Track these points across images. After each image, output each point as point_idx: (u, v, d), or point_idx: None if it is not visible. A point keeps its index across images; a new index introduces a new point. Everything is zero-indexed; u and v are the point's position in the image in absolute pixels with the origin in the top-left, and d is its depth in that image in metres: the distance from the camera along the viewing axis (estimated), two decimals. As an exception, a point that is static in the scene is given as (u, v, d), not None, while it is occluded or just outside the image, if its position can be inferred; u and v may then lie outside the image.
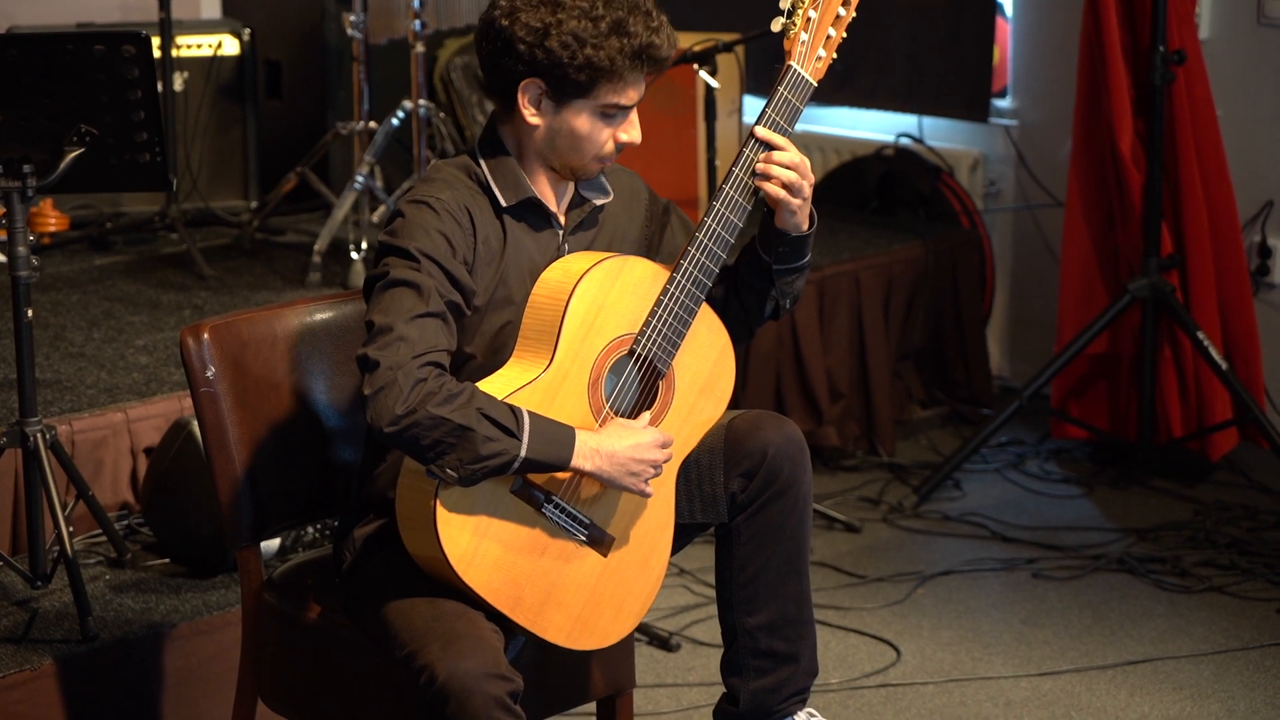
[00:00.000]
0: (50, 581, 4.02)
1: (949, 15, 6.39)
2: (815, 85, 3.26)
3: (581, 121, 3.18)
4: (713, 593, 3.41)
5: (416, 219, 3.12)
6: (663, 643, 4.55)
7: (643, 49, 3.13)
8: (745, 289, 3.35)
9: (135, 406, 4.47)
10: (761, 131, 3.22)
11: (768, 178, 3.21)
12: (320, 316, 3.48)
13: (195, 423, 4.11)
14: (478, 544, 3.06)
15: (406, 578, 3.15)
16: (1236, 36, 5.79)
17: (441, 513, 3.03)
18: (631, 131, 3.22)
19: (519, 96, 3.17)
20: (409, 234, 3.11)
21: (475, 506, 3.06)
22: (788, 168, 3.22)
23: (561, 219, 3.28)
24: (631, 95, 3.19)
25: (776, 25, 3.26)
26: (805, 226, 3.28)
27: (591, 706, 3.51)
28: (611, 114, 3.19)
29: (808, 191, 3.24)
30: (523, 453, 3.02)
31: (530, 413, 3.05)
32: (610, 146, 3.21)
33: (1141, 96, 5.51)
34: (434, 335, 3.06)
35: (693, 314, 3.21)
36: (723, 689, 3.45)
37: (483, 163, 3.24)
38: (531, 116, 3.18)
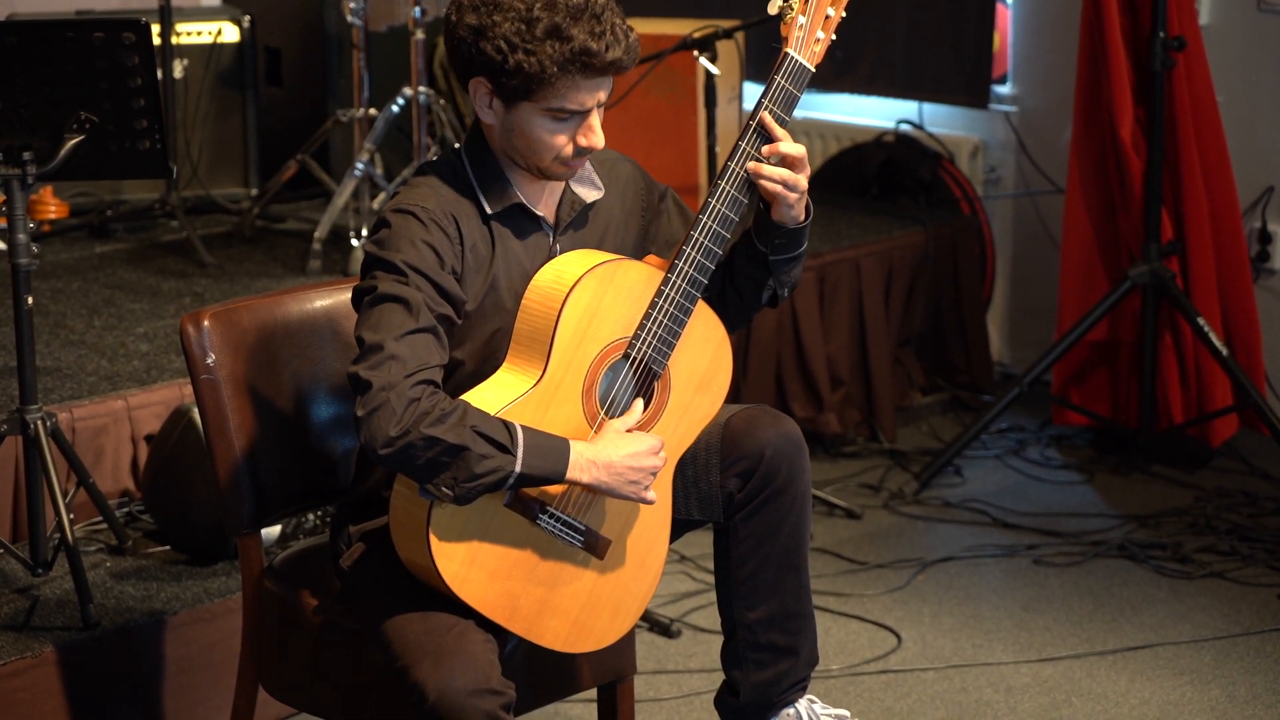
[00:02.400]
0: (51, 569, 4.02)
1: (949, 1, 6.38)
2: (814, 71, 3.18)
3: (530, 124, 3.08)
4: (713, 578, 3.41)
5: (403, 229, 3.06)
6: (663, 629, 4.55)
7: (578, 55, 3.00)
8: (742, 279, 3.30)
9: (136, 394, 4.47)
10: (765, 117, 3.14)
11: (762, 175, 3.15)
12: (320, 303, 3.47)
13: (196, 410, 4.11)
14: (472, 559, 3.04)
15: (400, 581, 3.13)
16: (1237, 23, 5.79)
17: (435, 528, 3.00)
18: (590, 137, 3.10)
19: (471, 94, 3.11)
20: (395, 246, 3.05)
21: (469, 522, 3.03)
22: (784, 161, 3.16)
23: (551, 219, 3.22)
24: (582, 100, 3.07)
25: (773, 8, 3.18)
26: (802, 218, 3.22)
27: (593, 693, 3.51)
28: (563, 118, 3.08)
29: (804, 185, 3.18)
30: (517, 468, 2.98)
31: (524, 427, 3.01)
32: (569, 150, 3.11)
33: (1142, 83, 5.50)
34: (425, 352, 3.01)
35: (688, 314, 3.15)
36: (723, 675, 3.45)
37: (468, 166, 3.17)
38: (485, 115, 3.12)
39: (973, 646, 4.51)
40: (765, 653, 3.37)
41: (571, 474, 3.04)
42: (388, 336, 2.99)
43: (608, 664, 3.43)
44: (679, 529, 3.33)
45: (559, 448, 3.03)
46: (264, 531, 3.47)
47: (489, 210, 3.15)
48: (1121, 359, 5.73)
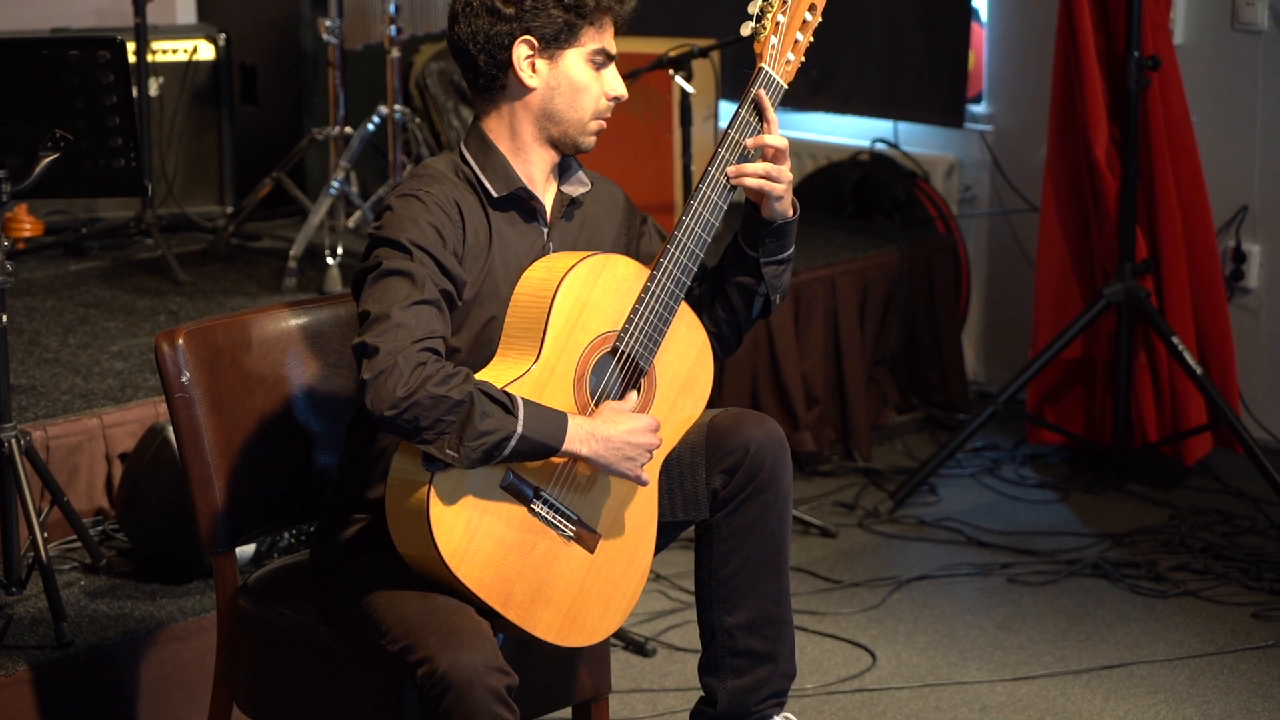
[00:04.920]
0: (25, 587, 4.01)
1: (924, 20, 6.40)
2: (786, 87, 3.34)
3: (577, 71, 3.24)
4: (688, 598, 3.42)
5: (406, 211, 3.16)
6: (639, 648, 4.54)
7: None
8: (733, 289, 3.39)
9: (110, 412, 4.46)
10: (761, 94, 3.28)
11: (744, 173, 3.27)
12: (296, 322, 3.48)
13: (170, 428, 4.10)
14: (469, 540, 3.08)
15: (392, 577, 3.16)
16: (1211, 42, 5.80)
17: (434, 508, 3.05)
18: (617, 85, 3.29)
19: (514, 59, 3.22)
20: (399, 226, 3.15)
21: (466, 502, 3.08)
22: (767, 153, 3.28)
23: (547, 210, 3.31)
24: (611, 43, 3.28)
25: (746, 29, 3.34)
26: (790, 213, 3.33)
27: (568, 712, 3.51)
28: (600, 62, 3.26)
29: (788, 175, 3.30)
30: (519, 429, 3.05)
31: (523, 397, 3.09)
32: (604, 102, 3.27)
33: (1116, 102, 5.52)
34: (430, 321, 3.09)
35: (673, 312, 3.26)
36: (698, 694, 3.45)
37: (470, 159, 3.27)
38: (530, 78, 3.24)
39: (947, 665, 4.51)
40: (743, 659, 3.40)
41: (569, 445, 3.11)
42: (394, 306, 3.07)
43: (584, 682, 3.43)
44: (664, 532, 3.38)
45: (558, 417, 3.12)
46: (238, 550, 3.46)
47: (493, 193, 3.25)
48: (1096, 377, 5.74)
